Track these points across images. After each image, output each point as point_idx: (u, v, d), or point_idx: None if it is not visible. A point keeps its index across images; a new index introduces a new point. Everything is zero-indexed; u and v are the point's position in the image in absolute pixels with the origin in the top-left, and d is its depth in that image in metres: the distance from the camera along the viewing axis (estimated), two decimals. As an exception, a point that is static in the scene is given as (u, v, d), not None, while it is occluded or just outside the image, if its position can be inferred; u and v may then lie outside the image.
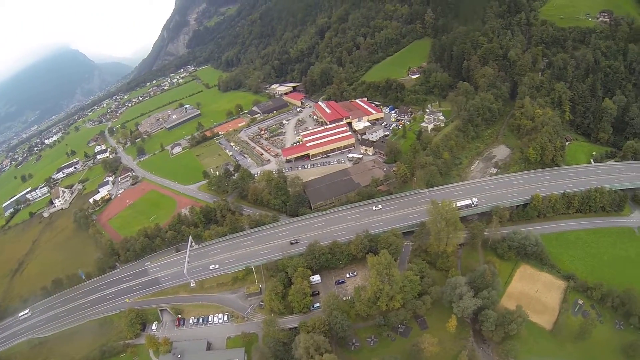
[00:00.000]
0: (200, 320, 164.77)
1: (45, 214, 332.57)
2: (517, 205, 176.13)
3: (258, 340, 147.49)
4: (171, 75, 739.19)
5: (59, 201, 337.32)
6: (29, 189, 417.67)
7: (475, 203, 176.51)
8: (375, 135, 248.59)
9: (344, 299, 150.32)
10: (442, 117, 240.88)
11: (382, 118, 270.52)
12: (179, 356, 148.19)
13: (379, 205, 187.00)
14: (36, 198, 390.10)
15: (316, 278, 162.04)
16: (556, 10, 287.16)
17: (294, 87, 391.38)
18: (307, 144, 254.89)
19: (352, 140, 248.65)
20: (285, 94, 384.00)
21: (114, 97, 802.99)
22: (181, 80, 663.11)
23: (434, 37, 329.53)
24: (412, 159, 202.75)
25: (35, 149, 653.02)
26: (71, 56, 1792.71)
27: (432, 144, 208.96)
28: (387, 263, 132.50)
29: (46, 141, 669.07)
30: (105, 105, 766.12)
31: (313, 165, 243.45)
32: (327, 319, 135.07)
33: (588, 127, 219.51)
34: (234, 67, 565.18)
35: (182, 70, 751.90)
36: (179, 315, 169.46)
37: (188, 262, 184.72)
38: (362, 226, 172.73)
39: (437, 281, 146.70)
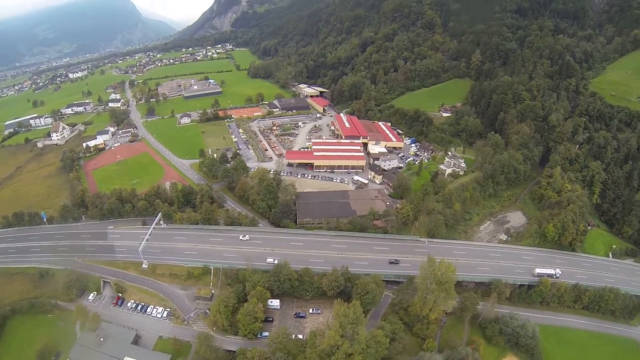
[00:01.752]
0: (139, 307, 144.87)
1: (40, 144, 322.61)
2: (521, 285, 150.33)
3: (190, 353, 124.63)
4: (208, 47, 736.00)
5: (57, 136, 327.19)
6: (35, 115, 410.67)
7: (558, 275, 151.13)
8: (389, 164, 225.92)
9: (298, 336, 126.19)
10: (463, 164, 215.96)
11: (400, 148, 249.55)
12: (102, 339, 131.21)
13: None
14: (38, 126, 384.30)
15: (275, 303, 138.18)
16: (609, 85, 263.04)
17: (321, 92, 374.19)
18: (315, 153, 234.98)
19: (362, 162, 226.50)
20: (311, 96, 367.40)
21: (148, 53, 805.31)
22: (215, 55, 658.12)
23: (476, 79, 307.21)
24: (420, 200, 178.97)
25: (58, 79, 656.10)
26: (120, 3, 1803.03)
27: (446, 191, 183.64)
28: (354, 317, 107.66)
29: (70, 75, 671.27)
30: (137, 57, 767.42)
31: (314, 177, 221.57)
32: (269, 357, 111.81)
33: (614, 216, 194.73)
34: (270, 57, 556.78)
35: (220, 46, 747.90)
36: (120, 294, 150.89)
37: (147, 240, 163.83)
38: (344, 260, 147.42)
39: (408, 349, 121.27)
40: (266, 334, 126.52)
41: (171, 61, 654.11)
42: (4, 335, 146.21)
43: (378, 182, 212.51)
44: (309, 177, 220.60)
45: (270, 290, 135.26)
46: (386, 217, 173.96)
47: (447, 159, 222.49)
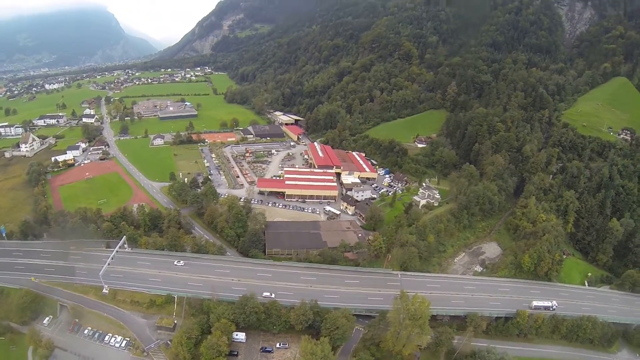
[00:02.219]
0: (96, 335, 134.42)
1: (7, 154, 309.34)
2: (498, 317, 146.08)
3: None
4: (187, 69, 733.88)
5: (26, 147, 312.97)
6: (6, 124, 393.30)
7: (554, 307, 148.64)
8: (362, 194, 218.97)
9: None
10: (437, 196, 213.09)
11: (374, 179, 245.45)
12: None
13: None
14: (8, 135, 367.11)
15: (240, 336, 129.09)
16: (580, 116, 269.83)
17: (296, 121, 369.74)
18: (287, 182, 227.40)
19: (335, 193, 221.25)
20: (286, 124, 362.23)
21: (127, 70, 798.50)
22: (194, 78, 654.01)
23: (451, 111, 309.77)
24: (393, 232, 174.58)
25: (34, 89, 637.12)
26: (104, 18, 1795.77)
27: (420, 222, 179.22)
28: (322, 355, 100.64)
29: (47, 86, 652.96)
30: (115, 74, 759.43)
31: (285, 206, 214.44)
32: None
33: (588, 244, 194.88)
34: (247, 82, 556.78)
35: (199, 68, 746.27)
36: (76, 320, 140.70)
37: (110, 263, 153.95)
38: (313, 293, 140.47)
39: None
40: None
41: (149, 80, 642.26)
42: None
43: (350, 213, 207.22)
44: (280, 207, 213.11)
45: (235, 323, 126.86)
46: (358, 250, 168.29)
47: (421, 190, 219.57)
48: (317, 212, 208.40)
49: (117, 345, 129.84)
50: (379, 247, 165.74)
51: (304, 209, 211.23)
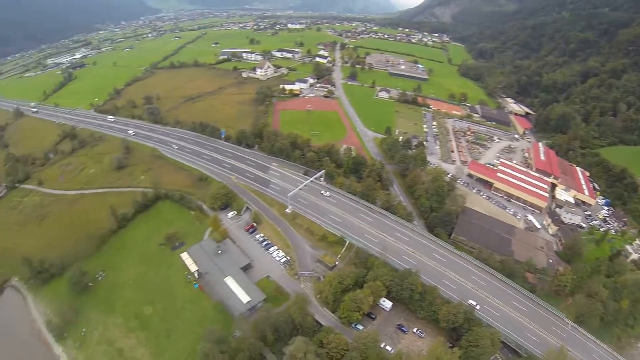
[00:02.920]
0: (265, 243, 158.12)
1: (244, 75, 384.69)
2: None
3: (283, 305, 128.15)
4: (424, 33, 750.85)
5: (261, 71, 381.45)
6: (249, 50, 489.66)
7: None
8: (571, 218, 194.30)
9: (386, 347, 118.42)
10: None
11: (590, 205, 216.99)
12: (219, 252, 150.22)
13: None
14: (248, 59, 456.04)
15: (387, 304, 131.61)
16: None
17: (526, 113, 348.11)
18: (499, 173, 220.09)
19: (543, 203, 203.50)
20: (515, 114, 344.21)
21: (364, 23, 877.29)
22: (430, 43, 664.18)
23: None
24: (586, 275, 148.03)
25: (277, 26, 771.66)
26: None
27: (621, 279, 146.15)
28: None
29: (289, 25, 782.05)
30: (353, 24, 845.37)
31: (489, 198, 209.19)
32: (346, 350, 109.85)
33: None
34: (484, 60, 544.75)
35: (436, 35, 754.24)
36: (254, 224, 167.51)
37: (302, 189, 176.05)
38: (475, 298, 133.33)
39: None
40: (360, 327, 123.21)
41: (385, 36, 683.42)
42: (151, 210, 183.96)
43: (550, 233, 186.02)
44: (484, 196, 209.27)
45: (388, 289, 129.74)
46: (541, 275, 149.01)
47: (638, 242, 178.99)
48: (518, 217, 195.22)
49: (277, 259, 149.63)
50: (564, 283, 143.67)
51: (505, 207, 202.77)
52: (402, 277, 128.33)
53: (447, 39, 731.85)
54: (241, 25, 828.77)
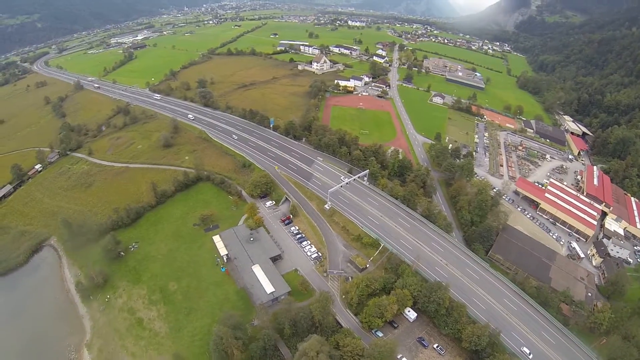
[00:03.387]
0: (299, 236, 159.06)
1: (300, 67, 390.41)
2: None
3: (306, 300, 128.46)
4: (485, 41, 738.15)
5: (317, 65, 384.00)
6: (307, 43, 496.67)
7: None
8: (617, 251, 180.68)
9: (403, 359, 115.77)
10: None
11: None
12: (252, 239, 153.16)
13: None
14: (306, 52, 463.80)
15: (411, 314, 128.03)
16: None
17: (584, 134, 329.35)
18: (546, 194, 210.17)
19: (590, 232, 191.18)
20: (572, 133, 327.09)
21: (425, 26, 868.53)
22: (490, 51, 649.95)
23: None
24: (626, 314, 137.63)
25: (338, 22, 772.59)
26: None
27: None
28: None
29: (350, 22, 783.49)
30: (414, 26, 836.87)
31: (533, 218, 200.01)
32: (361, 355, 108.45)
33: None
34: (544, 73, 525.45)
35: (497, 43, 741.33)
36: (291, 215, 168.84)
37: (343, 186, 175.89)
38: (502, 322, 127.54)
39: None
40: (380, 334, 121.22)
41: (445, 41, 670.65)
42: (191, 189, 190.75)
43: (593, 264, 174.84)
44: (528, 216, 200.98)
45: (415, 300, 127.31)
46: (577, 309, 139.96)
47: None
48: (561, 243, 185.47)
49: (309, 253, 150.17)
50: (600, 321, 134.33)
51: (549, 231, 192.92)
52: (430, 289, 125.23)
53: (509, 48, 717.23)
54: (302, 18, 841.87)
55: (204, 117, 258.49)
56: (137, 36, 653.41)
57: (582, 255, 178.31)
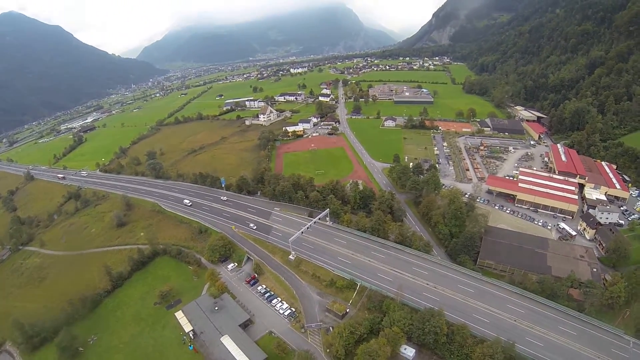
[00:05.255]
0: (267, 295, 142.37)
1: (247, 122, 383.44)
2: None
3: None
4: (425, 58, 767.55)
5: (264, 117, 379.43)
6: (252, 98, 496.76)
7: None
8: (607, 217, 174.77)
9: None
10: None
11: (624, 199, 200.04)
12: (216, 308, 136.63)
13: None
14: (252, 107, 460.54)
15: (409, 352, 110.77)
16: None
17: (538, 118, 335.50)
18: (520, 184, 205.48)
19: (574, 208, 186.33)
20: (527, 120, 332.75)
21: (366, 58, 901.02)
22: (432, 67, 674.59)
23: None
24: (637, 281, 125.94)
25: (280, 72, 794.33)
26: (344, 13, 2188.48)
27: None
28: None
29: (292, 70, 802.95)
30: (355, 61, 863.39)
31: (513, 212, 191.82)
32: None
33: None
34: (487, 73, 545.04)
35: (437, 58, 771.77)
36: (255, 275, 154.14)
37: (304, 232, 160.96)
38: (514, 331, 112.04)
39: None
40: None
41: (387, 67, 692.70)
42: (148, 266, 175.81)
43: (588, 238, 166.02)
44: (508, 212, 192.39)
45: (408, 335, 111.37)
46: (588, 289, 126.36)
47: None
48: (549, 228, 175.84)
49: (281, 311, 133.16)
50: (616, 294, 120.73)
51: (534, 219, 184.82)
52: (422, 319, 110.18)
53: (448, 60, 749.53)
54: (245, 76, 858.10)
55: (155, 190, 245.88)
56: (86, 119, 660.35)
57: (573, 233, 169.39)
